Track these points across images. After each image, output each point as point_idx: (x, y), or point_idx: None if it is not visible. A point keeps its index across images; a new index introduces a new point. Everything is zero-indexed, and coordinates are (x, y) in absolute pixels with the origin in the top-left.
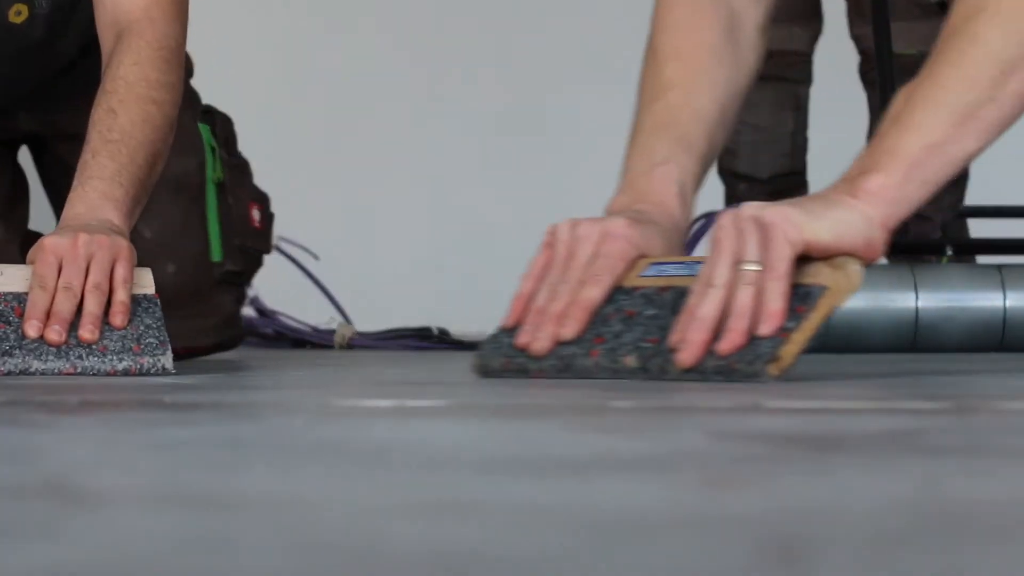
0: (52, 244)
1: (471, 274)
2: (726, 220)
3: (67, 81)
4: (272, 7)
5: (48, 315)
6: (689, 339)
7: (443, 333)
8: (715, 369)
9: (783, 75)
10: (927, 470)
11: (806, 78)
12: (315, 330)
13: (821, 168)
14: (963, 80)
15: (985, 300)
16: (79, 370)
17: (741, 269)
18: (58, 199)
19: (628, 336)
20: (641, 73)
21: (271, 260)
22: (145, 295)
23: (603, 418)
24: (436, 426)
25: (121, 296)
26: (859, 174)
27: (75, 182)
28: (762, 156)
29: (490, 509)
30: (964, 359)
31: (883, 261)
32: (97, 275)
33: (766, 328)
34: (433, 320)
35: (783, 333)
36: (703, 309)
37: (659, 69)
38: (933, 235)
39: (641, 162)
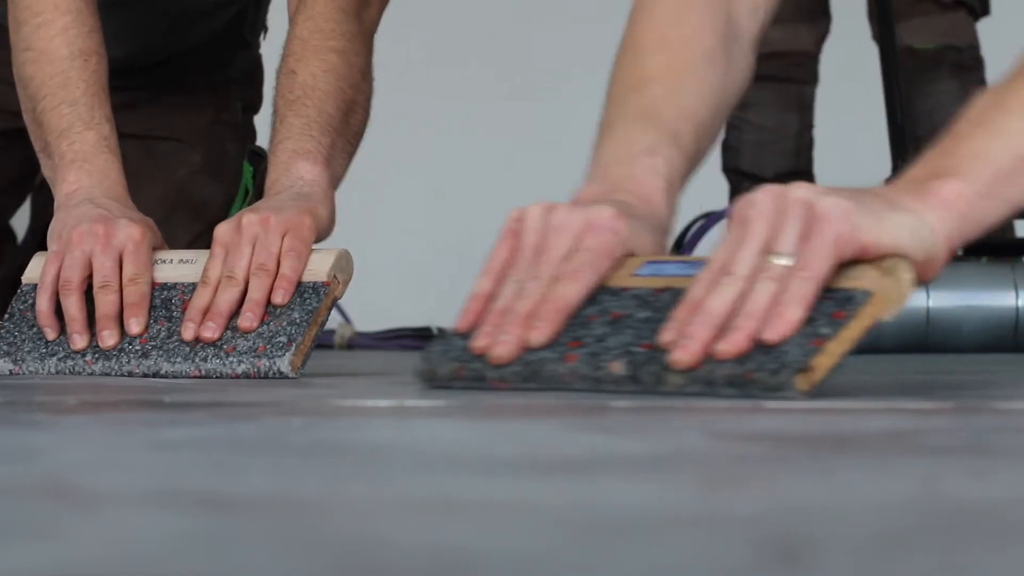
0: (219, 233)
1: (471, 274)
2: (764, 197)
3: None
4: (277, 5)
5: (207, 311)
6: (689, 334)
7: (443, 333)
8: (726, 379)
9: (787, 75)
10: (927, 470)
11: (811, 78)
12: None
13: (828, 168)
14: None
15: (998, 299)
16: (203, 373)
17: (769, 260)
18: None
19: (614, 340)
20: (615, 66)
21: None
22: (314, 283)
23: (603, 418)
24: (436, 426)
25: (283, 270)
26: (932, 177)
27: (269, 151)
28: (766, 155)
29: (490, 509)
30: (973, 359)
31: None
32: (261, 256)
33: (773, 332)
34: (433, 320)
35: (817, 341)
36: (713, 300)
37: (639, 61)
38: None
39: (618, 151)
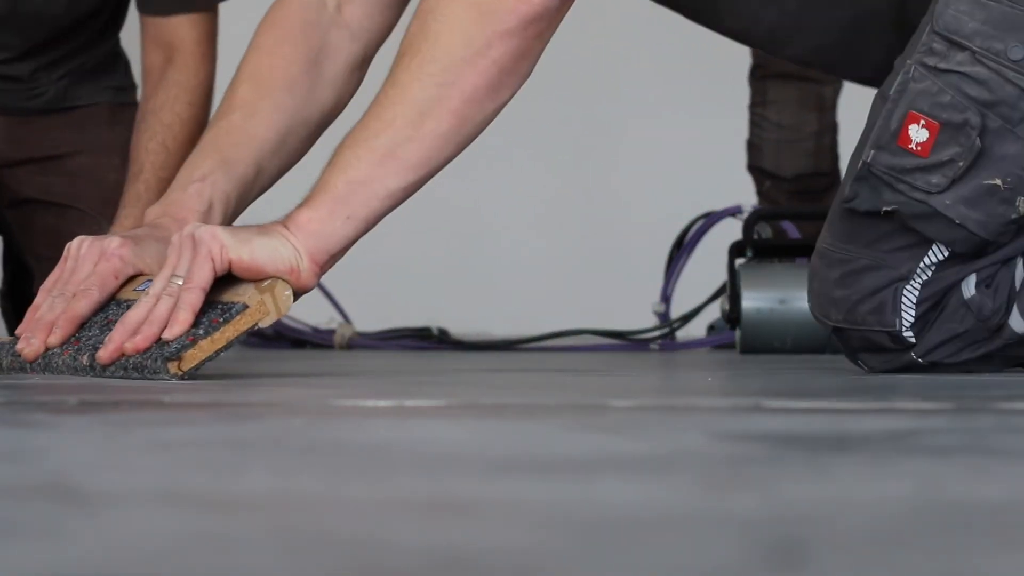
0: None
1: (471, 274)
2: (175, 238)
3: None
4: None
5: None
6: (109, 339)
7: (443, 333)
8: (132, 366)
9: (806, 74)
10: (927, 470)
11: (832, 79)
12: (315, 330)
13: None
14: (383, 121)
15: None
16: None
17: (171, 282)
18: None
19: (95, 339)
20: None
21: None
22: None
23: (603, 418)
24: (436, 426)
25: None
26: (298, 208)
27: (126, 203)
28: (785, 155)
29: (490, 509)
30: None
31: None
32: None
33: (169, 333)
34: (433, 320)
35: (191, 338)
36: (130, 315)
37: (234, 88)
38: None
39: (184, 175)
